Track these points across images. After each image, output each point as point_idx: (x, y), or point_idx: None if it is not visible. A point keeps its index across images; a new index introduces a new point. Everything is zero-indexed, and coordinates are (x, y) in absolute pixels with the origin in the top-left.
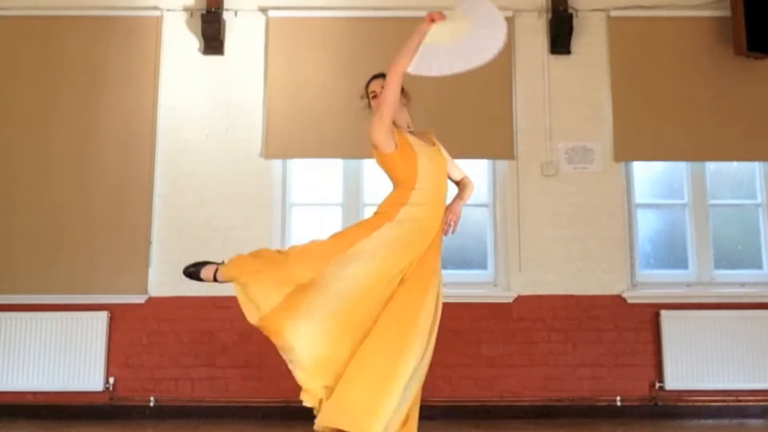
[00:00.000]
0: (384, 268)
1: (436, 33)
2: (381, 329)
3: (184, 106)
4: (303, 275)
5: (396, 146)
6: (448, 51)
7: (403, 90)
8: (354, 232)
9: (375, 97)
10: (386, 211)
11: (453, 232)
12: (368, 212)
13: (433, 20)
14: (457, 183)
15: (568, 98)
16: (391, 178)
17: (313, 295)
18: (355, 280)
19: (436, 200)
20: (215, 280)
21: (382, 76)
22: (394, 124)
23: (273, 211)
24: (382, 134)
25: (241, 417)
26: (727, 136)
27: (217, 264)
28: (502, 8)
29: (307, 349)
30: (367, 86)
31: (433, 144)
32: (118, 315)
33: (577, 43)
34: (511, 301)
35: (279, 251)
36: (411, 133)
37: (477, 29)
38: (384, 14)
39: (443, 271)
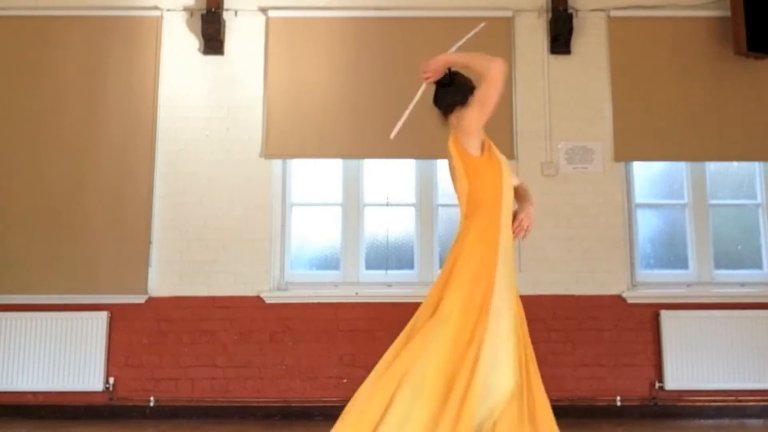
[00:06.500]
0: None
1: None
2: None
3: (184, 106)
4: None
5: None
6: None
7: None
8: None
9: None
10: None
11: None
12: (368, 212)
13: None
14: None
15: (568, 98)
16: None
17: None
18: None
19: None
20: None
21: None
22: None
23: (273, 211)
24: (474, 129)
25: (241, 417)
26: (727, 136)
27: None
28: (502, 8)
29: None
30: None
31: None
32: (118, 315)
33: (577, 43)
34: None
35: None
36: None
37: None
38: (384, 14)
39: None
